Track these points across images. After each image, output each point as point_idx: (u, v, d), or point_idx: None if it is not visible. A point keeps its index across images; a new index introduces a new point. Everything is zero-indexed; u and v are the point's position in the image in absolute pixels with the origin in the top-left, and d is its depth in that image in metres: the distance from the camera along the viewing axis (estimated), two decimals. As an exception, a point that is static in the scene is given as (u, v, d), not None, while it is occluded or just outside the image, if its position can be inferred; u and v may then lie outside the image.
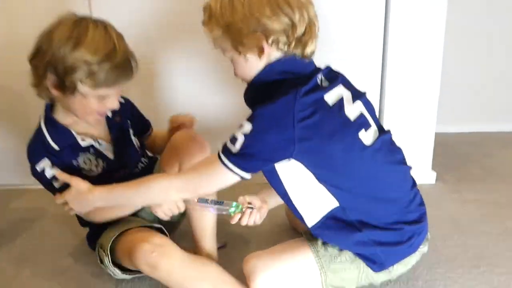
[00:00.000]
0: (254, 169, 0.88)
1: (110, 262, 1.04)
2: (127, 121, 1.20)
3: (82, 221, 1.16)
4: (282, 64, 0.89)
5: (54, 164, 1.05)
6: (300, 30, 0.88)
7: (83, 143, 1.09)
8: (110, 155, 1.12)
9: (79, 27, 0.97)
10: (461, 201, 1.47)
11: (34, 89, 1.04)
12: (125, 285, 1.10)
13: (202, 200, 1.04)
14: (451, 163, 1.78)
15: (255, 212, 1.04)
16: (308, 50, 0.90)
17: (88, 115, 1.05)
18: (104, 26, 1.00)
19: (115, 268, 1.05)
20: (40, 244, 1.31)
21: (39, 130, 1.08)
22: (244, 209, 1.03)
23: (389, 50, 1.50)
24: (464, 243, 1.22)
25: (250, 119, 0.85)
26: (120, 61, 0.98)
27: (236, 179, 0.89)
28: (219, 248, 1.22)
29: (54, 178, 1.04)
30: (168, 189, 0.95)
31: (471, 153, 1.89)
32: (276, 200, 1.09)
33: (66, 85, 0.98)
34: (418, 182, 1.02)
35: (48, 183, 1.06)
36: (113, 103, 1.06)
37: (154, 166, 1.23)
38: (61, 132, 1.07)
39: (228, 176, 0.88)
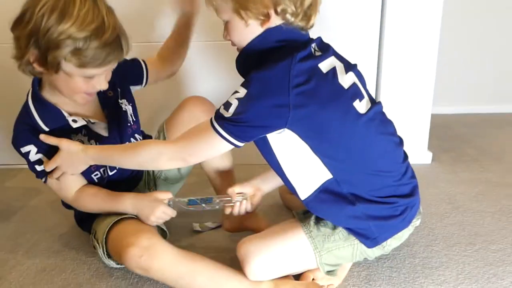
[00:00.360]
0: (247, 137, 0.86)
1: (105, 253, 1.01)
2: (117, 92, 1.11)
3: (65, 204, 1.13)
4: (281, 32, 0.87)
5: (40, 150, 0.99)
6: (308, 1, 0.86)
7: (74, 125, 1.01)
8: (103, 132, 1.07)
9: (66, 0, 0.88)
10: (457, 181, 1.48)
11: (16, 62, 0.94)
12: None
13: (192, 202, 1.03)
14: (446, 144, 1.78)
15: (245, 201, 1.03)
16: (311, 23, 0.89)
17: (74, 94, 0.98)
18: None
19: (110, 260, 1.02)
20: (35, 224, 1.30)
21: (26, 109, 1.01)
22: (234, 200, 1.02)
23: (386, 30, 1.49)
24: (460, 221, 1.23)
25: (244, 84, 0.84)
26: (109, 39, 0.90)
27: (228, 147, 0.87)
28: (214, 228, 1.23)
29: (39, 161, 1.00)
30: (159, 156, 0.92)
31: (466, 134, 1.90)
32: (271, 185, 1.09)
33: (48, 62, 0.89)
34: (414, 162, 1.01)
35: (31, 165, 1.02)
36: (102, 84, 0.98)
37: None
38: (51, 112, 1.00)
39: (221, 144, 0.86)
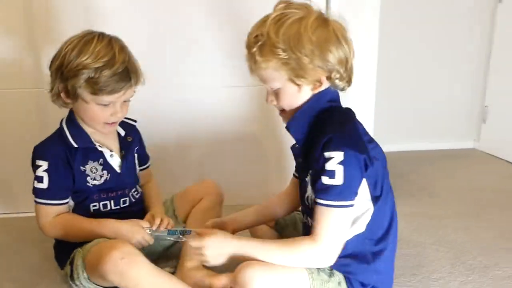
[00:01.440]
0: (356, 193, 0.91)
1: (84, 273, 1.02)
2: (136, 144, 1.25)
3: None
4: (328, 94, 0.97)
5: (49, 170, 1.08)
6: (350, 63, 0.95)
7: (104, 150, 1.15)
8: (117, 169, 1.17)
9: (86, 39, 1.06)
10: (399, 215, 1.60)
11: (50, 95, 1.11)
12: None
13: (171, 232, 1.10)
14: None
15: None
16: (351, 83, 0.98)
17: (94, 122, 1.11)
18: (109, 39, 1.07)
19: (92, 283, 1.03)
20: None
21: (59, 129, 1.15)
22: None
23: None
24: (405, 253, 1.33)
25: (329, 147, 0.88)
26: (118, 70, 1.04)
27: (352, 210, 0.91)
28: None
29: (41, 178, 1.09)
30: (313, 257, 0.93)
31: (404, 170, 2.07)
32: (242, 223, 1.15)
33: (69, 91, 1.06)
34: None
35: (34, 178, 1.11)
36: (116, 113, 1.10)
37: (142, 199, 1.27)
38: (81, 134, 1.13)
39: (349, 212, 0.91)
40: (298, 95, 0.96)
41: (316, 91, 0.96)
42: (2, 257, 1.34)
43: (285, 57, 0.90)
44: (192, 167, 1.68)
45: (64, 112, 1.49)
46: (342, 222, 0.91)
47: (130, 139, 1.23)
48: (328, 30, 0.92)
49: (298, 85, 0.94)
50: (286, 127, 1.00)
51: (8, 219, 1.59)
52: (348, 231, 0.94)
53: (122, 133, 1.22)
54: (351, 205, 0.91)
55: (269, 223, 1.24)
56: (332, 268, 0.95)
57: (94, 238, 1.07)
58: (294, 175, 1.17)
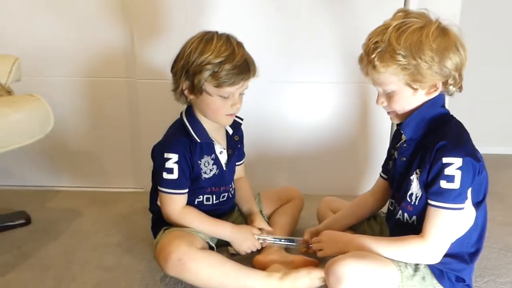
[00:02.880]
0: (466, 197, 0.99)
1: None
2: (239, 143, 1.34)
3: (152, 207, 1.31)
4: (441, 98, 1.05)
5: (180, 162, 1.18)
6: (463, 70, 1.01)
7: (216, 146, 1.25)
8: (224, 166, 1.28)
9: (206, 37, 1.15)
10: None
11: (173, 93, 1.21)
12: (171, 278, 1.21)
13: (277, 240, 1.27)
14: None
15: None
16: (461, 88, 1.04)
17: (217, 114, 1.20)
18: (226, 36, 1.17)
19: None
20: (82, 243, 1.42)
21: (181, 123, 1.23)
22: (310, 245, 1.20)
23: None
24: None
25: (447, 153, 0.96)
26: (238, 63, 1.13)
27: (460, 214, 0.99)
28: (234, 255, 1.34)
29: (171, 170, 1.18)
30: (419, 254, 1.02)
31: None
32: (335, 229, 1.22)
33: (195, 86, 1.14)
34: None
35: (160, 170, 1.20)
36: (236, 104, 1.19)
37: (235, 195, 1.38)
38: (201, 129, 1.22)
39: (460, 215, 0.99)
40: (412, 98, 1.03)
41: (431, 95, 1.03)
42: (104, 225, 1.53)
43: (405, 63, 0.96)
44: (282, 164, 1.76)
45: (152, 101, 1.66)
46: (452, 224, 1.00)
47: (237, 138, 1.32)
48: (448, 38, 0.98)
49: (414, 89, 1.01)
50: (400, 126, 1.08)
51: (100, 192, 1.79)
52: (456, 233, 1.02)
53: (230, 131, 1.30)
54: (462, 208, 0.99)
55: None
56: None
57: (212, 235, 1.24)
58: (381, 175, 1.24)
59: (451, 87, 1.01)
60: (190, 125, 1.22)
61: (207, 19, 1.58)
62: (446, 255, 1.02)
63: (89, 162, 1.81)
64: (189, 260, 1.09)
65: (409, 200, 1.07)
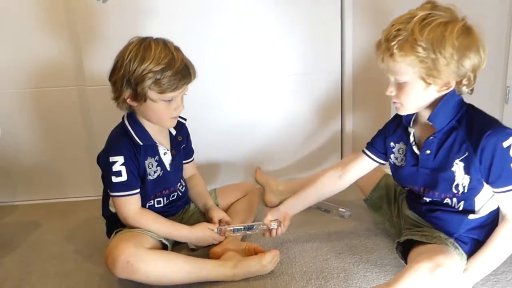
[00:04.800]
0: None
1: None
2: (184, 142, 1.36)
3: (105, 211, 1.31)
4: (456, 95, 1.05)
5: (126, 163, 1.18)
6: (479, 71, 1.01)
7: (160, 147, 1.25)
8: (168, 167, 1.29)
9: (144, 45, 1.15)
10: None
11: (114, 102, 1.22)
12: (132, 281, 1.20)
13: (236, 230, 1.28)
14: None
15: (279, 226, 1.25)
16: (473, 91, 1.05)
17: (162, 119, 1.21)
18: (163, 42, 1.18)
19: None
20: (41, 253, 1.40)
21: (122, 126, 1.24)
22: (270, 227, 1.25)
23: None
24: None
25: (502, 138, 1.00)
26: (179, 68, 1.15)
27: None
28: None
29: (118, 173, 1.18)
30: None
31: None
32: (297, 209, 1.31)
33: (138, 94, 1.15)
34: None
35: (109, 175, 1.19)
36: (179, 106, 1.21)
37: (187, 192, 1.41)
38: (143, 132, 1.23)
39: None
40: (422, 93, 1.02)
41: (442, 93, 1.03)
42: (63, 235, 1.51)
43: (424, 55, 0.96)
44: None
45: (104, 107, 1.66)
46: None
47: (181, 138, 1.34)
48: (471, 38, 0.98)
49: (427, 83, 1.00)
50: (429, 119, 1.07)
51: (59, 203, 1.77)
52: None
53: (174, 132, 1.32)
54: None
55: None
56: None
57: (170, 238, 1.26)
58: (371, 157, 1.25)
59: (464, 88, 1.02)
60: (132, 129, 1.23)
61: (155, 21, 1.59)
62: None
63: (45, 174, 1.78)
64: (138, 261, 1.10)
65: (455, 192, 1.08)
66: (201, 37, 1.64)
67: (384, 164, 1.26)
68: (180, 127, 1.34)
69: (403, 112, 1.10)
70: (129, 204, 1.22)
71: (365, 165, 1.27)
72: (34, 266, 1.33)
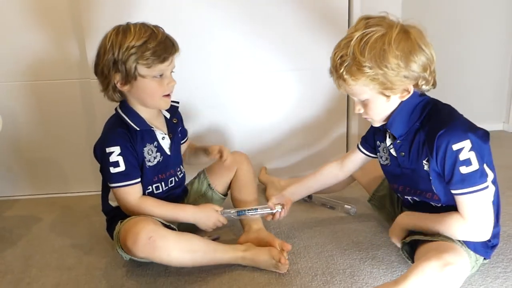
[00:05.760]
0: (487, 175, 1.01)
1: (119, 245, 1.15)
2: (179, 124, 1.35)
3: (104, 207, 1.29)
4: (416, 93, 1.05)
5: (123, 153, 1.16)
6: (433, 66, 1.01)
7: (157, 131, 1.23)
8: (168, 151, 1.27)
9: (122, 28, 1.16)
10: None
11: (104, 94, 1.20)
12: (132, 272, 1.20)
13: (240, 212, 1.28)
14: None
15: (282, 210, 1.25)
16: (435, 85, 1.05)
17: (155, 97, 1.19)
18: (141, 22, 1.18)
19: (123, 251, 1.15)
20: (41, 247, 1.39)
21: (117, 115, 1.23)
22: (274, 210, 1.25)
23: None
24: None
25: (455, 138, 0.98)
26: (161, 39, 1.15)
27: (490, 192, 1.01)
28: (214, 240, 1.35)
29: (116, 163, 1.16)
30: (458, 230, 1.03)
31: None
32: (298, 196, 1.34)
33: (127, 74, 1.14)
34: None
35: (106, 167, 1.17)
36: (170, 82, 1.19)
37: (184, 180, 1.39)
38: (138, 118, 1.21)
39: (488, 194, 1.01)
40: (386, 104, 1.05)
41: (404, 98, 1.04)
42: (64, 229, 1.50)
43: (372, 73, 0.97)
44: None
45: (107, 100, 1.64)
46: (487, 202, 1.01)
47: (176, 121, 1.32)
48: (410, 41, 0.98)
49: (387, 96, 1.02)
50: (386, 127, 1.10)
51: (60, 198, 1.75)
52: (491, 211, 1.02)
53: (168, 115, 1.30)
54: (488, 186, 1.00)
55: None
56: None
57: (176, 221, 1.23)
58: (362, 151, 1.27)
59: (423, 87, 1.03)
60: (126, 116, 1.21)
61: (158, 13, 1.56)
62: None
63: (48, 168, 1.76)
64: (159, 237, 1.08)
65: (433, 188, 1.08)
66: (206, 33, 1.62)
67: (376, 158, 1.26)
68: (174, 110, 1.32)
69: (376, 124, 1.12)
70: (130, 194, 1.19)
71: (359, 159, 1.29)
72: (35, 259, 1.31)
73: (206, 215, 1.25)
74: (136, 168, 1.20)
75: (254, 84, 1.71)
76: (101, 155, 1.19)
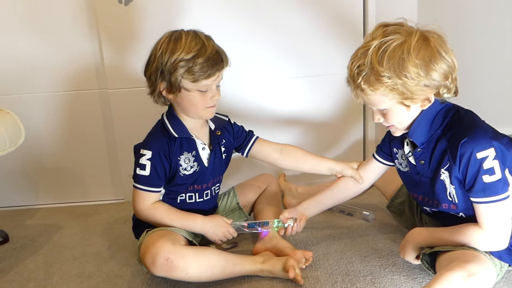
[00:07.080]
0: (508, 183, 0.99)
1: (139, 257, 1.16)
2: (224, 137, 1.31)
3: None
4: (437, 105, 1.03)
5: (153, 159, 1.18)
6: (455, 74, 0.98)
7: (197, 140, 1.24)
8: (205, 162, 1.26)
9: (174, 36, 1.16)
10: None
11: (150, 97, 1.22)
12: (153, 280, 1.21)
13: (251, 225, 1.25)
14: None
15: (295, 224, 1.23)
16: (457, 93, 1.02)
17: (198, 108, 1.19)
18: (194, 32, 1.18)
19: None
20: (62, 255, 1.40)
21: (161, 122, 1.25)
22: (286, 224, 1.24)
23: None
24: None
25: (478, 147, 0.96)
26: (210, 55, 1.14)
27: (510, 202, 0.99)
28: (229, 248, 1.35)
29: (143, 166, 1.19)
30: (477, 240, 1.00)
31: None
32: (313, 211, 1.31)
33: (172, 85, 1.15)
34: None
35: (135, 165, 1.21)
36: (214, 95, 1.19)
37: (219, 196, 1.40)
38: (180, 125, 1.23)
39: (509, 203, 0.99)
40: (407, 114, 1.02)
41: (425, 107, 1.02)
42: (84, 237, 1.51)
43: (391, 83, 0.95)
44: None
45: (125, 110, 1.67)
46: (507, 211, 0.99)
47: (219, 133, 1.29)
48: (430, 48, 0.95)
49: (407, 106, 1.00)
50: (408, 136, 1.08)
51: (81, 206, 1.78)
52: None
53: (212, 126, 1.29)
54: (509, 195, 0.98)
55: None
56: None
57: (184, 229, 1.22)
58: (379, 160, 1.25)
59: (445, 95, 1.00)
60: (168, 122, 1.23)
61: (178, 22, 1.59)
62: None
63: (67, 177, 1.79)
64: (177, 258, 1.08)
65: (449, 199, 1.06)
66: (217, 40, 1.63)
67: (394, 166, 1.23)
68: (220, 122, 1.31)
69: (398, 133, 1.09)
70: (144, 199, 1.21)
71: (376, 169, 1.27)
72: (56, 267, 1.33)
73: (216, 226, 1.25)
74: (161, 179, 1.21)
75: (268, 91, 1.72)
76: (136, 153, 1.22)
